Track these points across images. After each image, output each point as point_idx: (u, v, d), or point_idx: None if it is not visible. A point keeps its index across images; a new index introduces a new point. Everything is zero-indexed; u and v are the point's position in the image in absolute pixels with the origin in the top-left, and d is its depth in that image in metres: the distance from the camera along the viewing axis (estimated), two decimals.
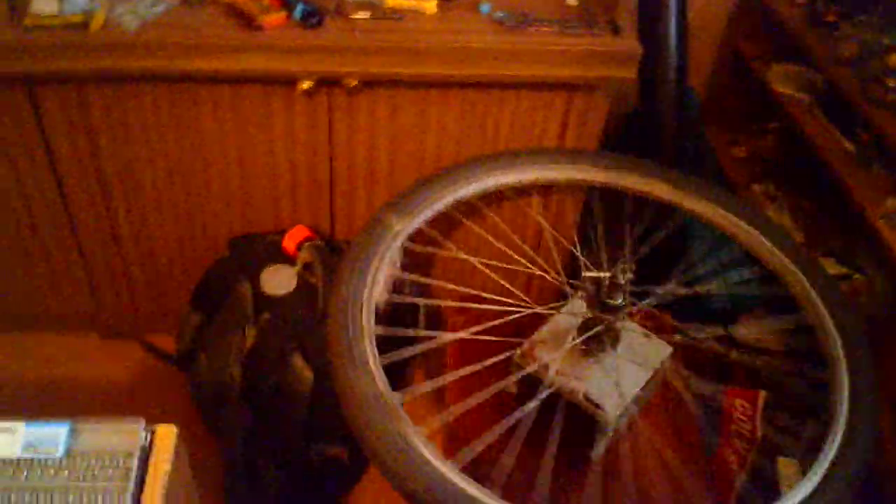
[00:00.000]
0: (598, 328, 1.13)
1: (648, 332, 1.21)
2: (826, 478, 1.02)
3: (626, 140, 1.71)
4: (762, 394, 1.59)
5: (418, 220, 1.26)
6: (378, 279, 1.14)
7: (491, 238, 1.41)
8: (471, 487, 0.92)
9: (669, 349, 1.20)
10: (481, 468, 1.05)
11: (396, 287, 1.35)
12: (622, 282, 1.08)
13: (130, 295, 1.67)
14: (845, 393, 1.11)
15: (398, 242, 1.22)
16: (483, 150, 1.44)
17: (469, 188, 1.35)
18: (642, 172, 1.35)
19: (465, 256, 1.35)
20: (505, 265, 1.33)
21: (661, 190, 1.33)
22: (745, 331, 1.71)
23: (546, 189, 1.48)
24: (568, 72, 1.34)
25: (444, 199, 1.30)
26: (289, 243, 1.42)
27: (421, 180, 1.34)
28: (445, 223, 1.41)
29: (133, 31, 1.26)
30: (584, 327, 1.16)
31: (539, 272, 1.30)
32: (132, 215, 1.51)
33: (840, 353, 1.15)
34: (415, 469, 0.93)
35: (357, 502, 1.55)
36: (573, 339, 1.16)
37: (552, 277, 1.29)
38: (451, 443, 1.16)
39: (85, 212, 1.50)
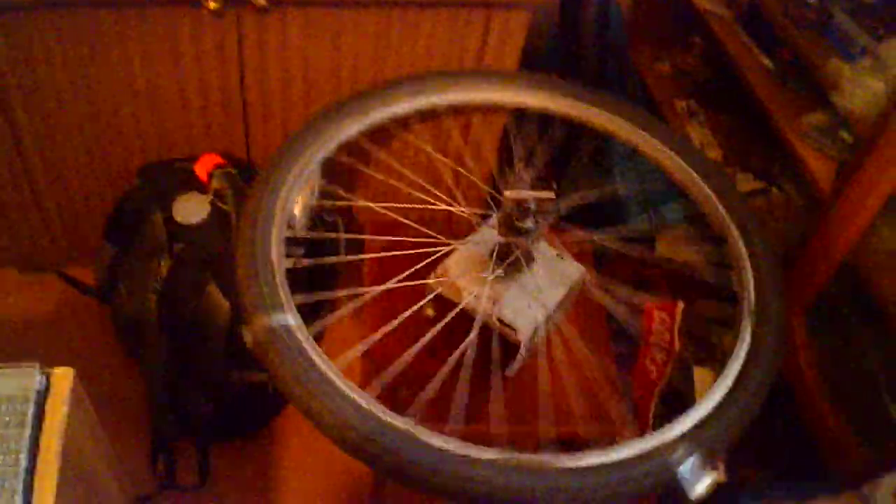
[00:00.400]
0: (510, 252, 1.13)
1: (561, 252, 1.22)
2: (735, 384, 1.05)
3: (552, 61, 1.70)
4: (679, 305, 1.63)
5: (331, 145, 1.23)
6: (288, 207, 1.12)
7: (405, 168, 1.39)
8: (385, 414, 0.93)
9: (583, 268, 1.21)
10: (401, 395, 1.07)
11: (315, 217, 1.34)
12: (528, 203, 1.08)
13: (46, 227, 1.62)
14: (752, 301, 1.14)
15: (311, 167, 1.19)
16: (400, 73, 1.41)
17: (385, 111, 1.32)
18: (552, 91, 1.33)
19: (381, 176, 1.33)
20: (421, 193, 1.32)
21: (569, 107, 1.32)
22: (665, 247, 1.74)
23: (460, 113, 1.46)
24: None
25: (359, 123, 1.27)
26: (200, 170, 1.38)
27: (335, 103, 1.31)
28: (360, 150, 1.38)
29: None
30: (497, 251, 1.16)
31: (451, 204, 1.29)
32: (42, 146, 1.45)
33: (746, 262, 1.18)
34: (328, 402, 0.93)
35: (285, 427, 1.57)
36: (487, 262, 1.16)
37: (461, 212, 1.28)
38: (370, 366, 1.16)
39: None
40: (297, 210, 1.25)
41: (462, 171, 1.43)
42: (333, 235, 1.39)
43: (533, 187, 1.20)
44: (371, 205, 1.26)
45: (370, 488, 1.43)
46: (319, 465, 1.54)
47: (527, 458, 0.91)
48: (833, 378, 1.36)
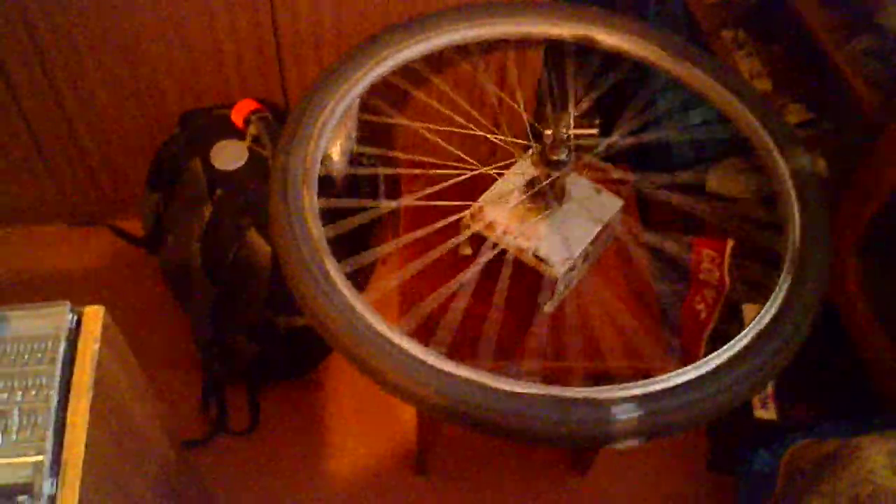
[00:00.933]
0: (542, 185, 1.11)
1: (599, 187, 1.19)
2: (780, 312, 1.02)
3: None
4: (729, 242, 1.59)
5: (363, 84, 1.22)
6: (321, 145, 1.11)
7: (437, 103, 1.36)
8: (414, 347, 0.93)
9: (620, 202, 1.18)
10: (436, 331, 1.06)
11: (354, 160, 1.33)
12: (564, 136, 1.05)
13: (92, 181, 1.65)
14: (797, 232, 1.10)
15: (343, 105, 1.18)
16: (430, 7, 1.38)
17: (419, 47, 1.29)
18: (580, 20, 1.29)
19: (407, 122, 1.31)
20: (453, 129, 1.30)
21: (603, 38, 1.28)
22: (716, 181, 1.69)
23: (491, 47, 1.43)
24: None
25: (388, 61, 1.24)
26: (236, 116, 1.39)
27: (367, 39, 1.29)
28: (394, 90, 1.36)
29: None
30: (530, 185, 1.14)
31: (486, 134, 1.27)
32: (80, 97, 1.48)
33: (792, 194, 1.14)
34: (359, 335, 0.93)
35: (333, 369, 1.60)
36: (519, 197, 1.15)
37: (498, 139, 1.26)
38: (408, 308, 1.16)
39: (32, 100, 1.47)
40: (335, 152, 1.25)
41: (506, 98, 1.40)
42: (371, 171, 1.38)
43: (577, 125, 1.18)
44: (412, 123, 1.24)
45: (416, 429, 1.45)
46: (368, 407, 1.56)
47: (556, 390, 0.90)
48: (888, 313, 1.32)
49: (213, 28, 1.39)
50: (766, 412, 1.34)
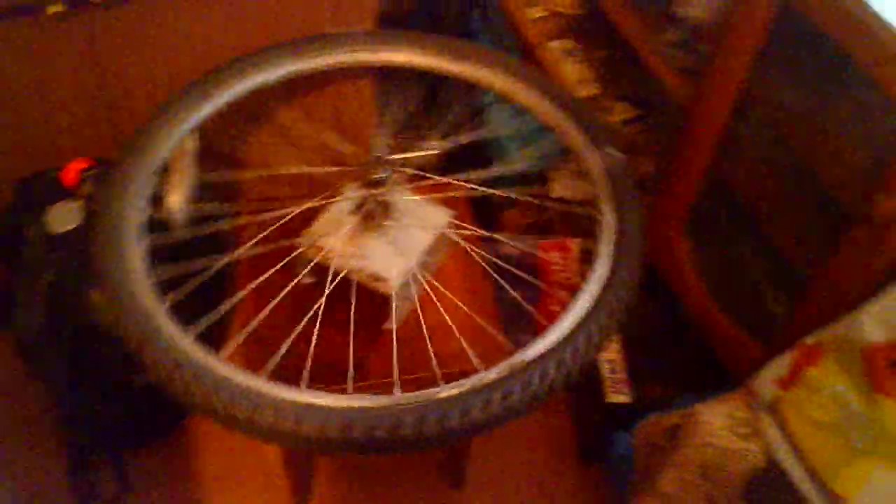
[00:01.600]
0: (367, 205, 1.14)
1: (426, 199, 1.23)
2: (591, 310, 1.05)
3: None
4: (575, 241, 1.66)
5: (196, 118, 1.23)
6: (143, 191, 1.12)
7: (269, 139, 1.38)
8: (254, 381, 0.94)
9: (449, 212, 1.22)
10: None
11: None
12: (376, 155, 1.09)
13: None
14: (612, 230, 1.14)
15: (166, 147, 1.18)
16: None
17: (242, 84, 1.31)
18: (403, 45, 1.33)
19: (237, 173, 1.31)
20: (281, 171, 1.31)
21: (425, 60, 1.32)
22: (559, 186, 1.76)
23: (322, 79, 1.46)
24: None
25: (215, 98, 1.26)
26: (67, 177, 1.37)
27: (190, 82, 1.30)
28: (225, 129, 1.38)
29: None
30: (358, 206, 1.17)
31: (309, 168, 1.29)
32: None
33: (607, 194, 1.18)
34: (202, 384, 0.94)
35: (199, 424, 1.57)
36: (350, 221, 1.17)
37: (328, 170, 1.27)
38: (262, 349, 1.16)
39: None
40: (174, 198, 1.25)
41: (329, 132, 1.42)
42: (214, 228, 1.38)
43: (399, 141, 1.21)
44: (244, 173, 1.25)
45: (291, 478, 1.44)
46: (236, 458, 1.54)
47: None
48: (719, 286, 1.39)
49: (46, 97, 1.38)
50: (619, 396, 1.39)
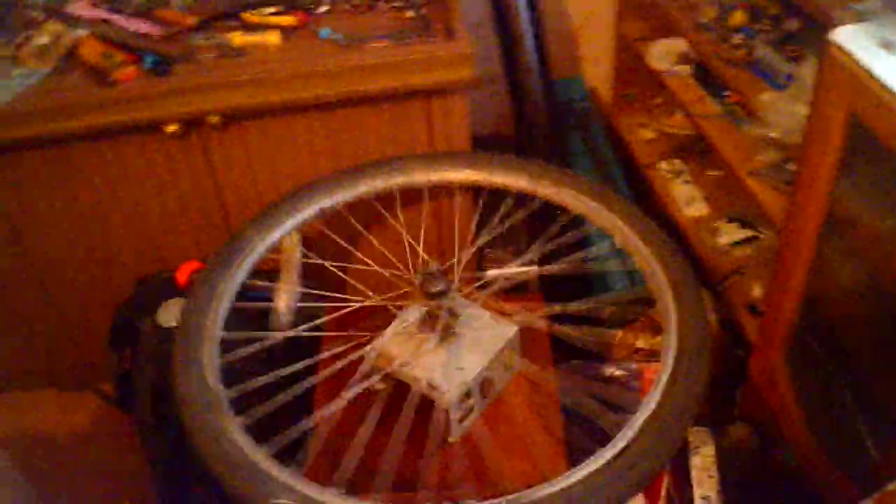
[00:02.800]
0: (431, 316, 1.17)
1: (494, 316, 1.24)
2: (641, 433, 1.01)
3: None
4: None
5: (277, 233, 1.32)
6: (223, 303, 1.21)
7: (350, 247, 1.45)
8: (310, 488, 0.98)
9: (514, 328, 1.22)
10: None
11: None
12: (436, 269, 1.12)
13: (74, 345, 1.78)
14: (673, 346, 1.10)
15: (253, 257, 1.28)
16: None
17: (338, 196, 1.40)
18: (489, 166, 1.38)
19: (319, 261, 1.37)
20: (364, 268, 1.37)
21: (513, 181, 1.36)
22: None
23: (404, 194, 1.52)
24: (410, 79, 1.40)
25: (300, 215, 1.36)
26: (180, 277, 1.50)
27: (271, 204, 1.39)
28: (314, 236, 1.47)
29: (6, 104, 1.38)
30: (423, 318, 1.20)
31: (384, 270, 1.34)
32: (55, 271, 1.63)
33: (672, 317, 1.14)
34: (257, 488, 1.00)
35: None
36: (413, 330, 1.20)
37: (394, 275, 1.32)
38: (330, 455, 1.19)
39: (13, 276, 1.62)
40: (282, 304, 1.34)
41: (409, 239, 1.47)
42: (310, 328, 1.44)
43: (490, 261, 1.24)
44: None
45: None
46: None
47: None
48: (819, 419, 1.28)
49: (164, 205, 1.54)
50: None
